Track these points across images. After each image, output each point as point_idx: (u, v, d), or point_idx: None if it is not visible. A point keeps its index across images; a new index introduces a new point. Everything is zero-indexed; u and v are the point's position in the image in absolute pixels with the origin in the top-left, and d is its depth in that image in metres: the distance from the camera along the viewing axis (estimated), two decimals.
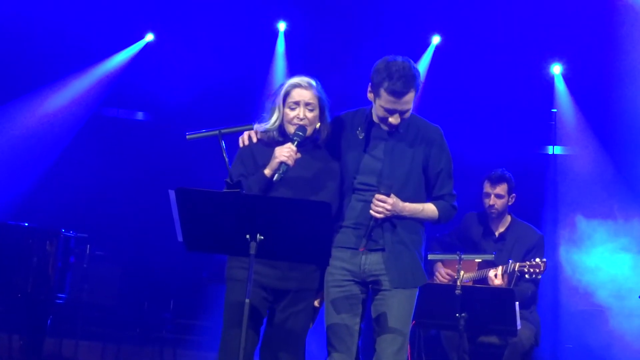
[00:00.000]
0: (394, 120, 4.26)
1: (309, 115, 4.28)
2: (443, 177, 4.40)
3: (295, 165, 4.21)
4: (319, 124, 4.33)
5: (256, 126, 4.38)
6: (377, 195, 4.22)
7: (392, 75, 4.15)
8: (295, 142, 4.19)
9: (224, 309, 4.33)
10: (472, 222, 6.54)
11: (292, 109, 4.28)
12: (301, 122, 4.26)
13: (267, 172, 4.18)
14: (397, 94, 4.17)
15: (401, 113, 4.24)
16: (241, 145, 4.37)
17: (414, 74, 4.18)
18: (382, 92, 4.20)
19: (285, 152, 4.14)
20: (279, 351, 4.25)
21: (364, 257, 4.29)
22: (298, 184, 4.25)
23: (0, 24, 8.75)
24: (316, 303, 4.38)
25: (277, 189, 4.21)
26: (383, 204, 4.21)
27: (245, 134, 4.38)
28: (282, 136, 4.30)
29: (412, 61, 4.26)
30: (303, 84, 4.31)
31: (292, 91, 4.30)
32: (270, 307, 4.32)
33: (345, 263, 4.31)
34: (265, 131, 4.34)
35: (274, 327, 4.30)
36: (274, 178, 4.14)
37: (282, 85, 4.38)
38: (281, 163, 4.13)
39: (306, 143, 4.32)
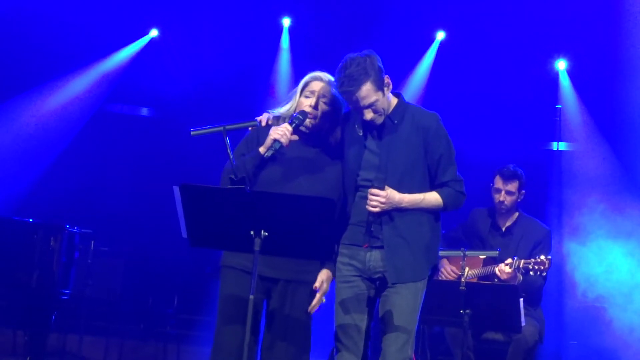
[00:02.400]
0: (366, 116, 4.23)
1: (322, 106, 4.32)
2: (444, 163, 4.32)
3: (294, 149, 4.25)
4: (328, 124, 4.35)
5: (270, 112, 4.42)
6: (371, 190, 4.19)
7: (339, 78, 4.18)
8: (294, 124, 4.22)
9: (218, 303, 4.31)
10: (479, 218, 6.52)
11: (307, 97, 4.33)
12: (312, 111, 4.29)
13: (261, 149, 4.22)
14: (347, 94, 4.19)
15: (366, 107, 4.20)
16: (255, 125, 4.39)
17: (359, 69, 4.15)
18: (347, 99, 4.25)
19: (280, 131, 4.17)
20: (279, 342, 4.22)
21: (368, 254, 4.28)
22: (292, 166, 4.26)
23: (5, 20, 8.75)
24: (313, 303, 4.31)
25: (270, 167, 4.23)
26: (377, 198, 4.18)
27: (264, 118, 4.41)
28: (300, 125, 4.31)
29: (363, 55, 4.22)
30: (324, 78, 4.37)
31: (311, 82, 4.37)
32: (266, 300, 4.30)
33: (352, 260, 4.31)
34: (278, 118, 4.38)
35: (271, 319, 4.26)
36: (265, 154, 4.17)
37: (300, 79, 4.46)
38: (274, 140, 4.15)
39: (312, 136, 4.35)
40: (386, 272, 4.25)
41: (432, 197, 4.30)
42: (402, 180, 4.25)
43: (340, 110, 4.38)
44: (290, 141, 4.22)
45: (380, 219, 4.23)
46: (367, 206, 4.19)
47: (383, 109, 4.25)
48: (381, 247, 4.26)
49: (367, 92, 4.16)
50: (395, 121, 4.30)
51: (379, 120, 4.27)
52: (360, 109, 4.22)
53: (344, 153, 4.38)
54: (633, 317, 7.65)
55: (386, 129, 4.31)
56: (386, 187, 4.20)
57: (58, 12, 8.76)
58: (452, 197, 4.33)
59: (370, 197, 4.19)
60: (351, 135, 4.39)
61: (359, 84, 4.14)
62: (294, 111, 4.33)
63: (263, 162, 4.22)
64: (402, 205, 4.22)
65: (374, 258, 4.28)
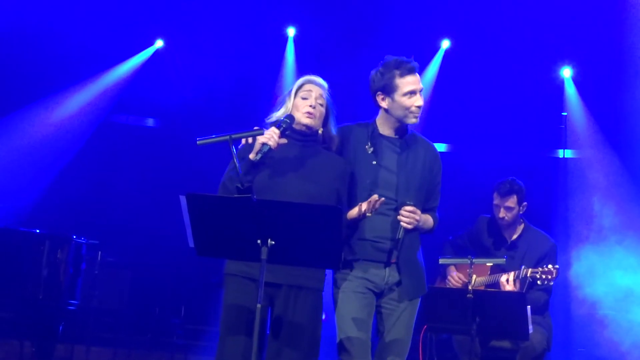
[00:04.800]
0: (418, 100, 4.40)
1: (318, 108, 4.33)
2: (438, 190, 4.57)
3: (288, 154, 4.24)
4: (321, 129, 4.36)
5: (266, 119, 4.40)
6: (407, 207, 4.29)
7: (400, 62, 4.40)
8: (281, 128, 4.19)
9: (222, 311, 4.28)
10: (485, 226, 6.50)
11: (304, 99, 4.33)
12: (312, 110, 4.29)
13: (251, 156, 4.18)
14: (414, 70, 4.40)
15: (420, 92, 4.42)
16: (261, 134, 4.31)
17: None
18: (399, 81, 4.38)
19: (267, 134, 4.15)
20: (285, 349, 4.16)
21: (388, 270, 4.35)
22: (285, 170, 4.24)
23: (11, 32, 8.79)
24: None
25: (263, 171, 4.19)
26: (414, 215, 4.30)
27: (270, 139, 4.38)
28: (289, 129, 4.29)
29: None
30: (318, 80, 4.41)
31: (306, 84, 4.38)
32: (270, 307, 4.23)
33: (368, 275, 4.35)
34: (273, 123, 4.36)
35: (275, 326, 4.21)
36: (254, 158, 4.14)
37: (288, 82, 4.45)
38: (262, 144, 4.14)
39: (308, 140, 4.34)
40: (400, 288, 4.37)
41: (431, 220, 4.52)
42: (415, 201, 4.37)
43: (331, 114, 4.39)
44: (284, 144, 4.22)
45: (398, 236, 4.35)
46: (402, 223, 4.29)
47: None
48: (395, 264, 4.36)
49: (420, 79, 4.45)
50: (409, 145, 4.46)
51: (417, 118, 4.43)
52: (413, 92, 4.38)
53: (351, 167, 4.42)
54: None
55: (402, 151, 4.45)
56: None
57: (64, 24, 8.79)
58: (437, 221, 4.58)
59: (405, 214, 4.29)
60: (357, 151, 4.44)
61: (417, 69, 4.44)
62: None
63: (254, 167, 4.17)
64: (419, 224, 4.37)
65: (393, 275, 4.36)
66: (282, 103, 4.40)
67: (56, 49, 8.85)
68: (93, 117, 9.33)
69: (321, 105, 4.34)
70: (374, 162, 4.41)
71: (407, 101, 4.38)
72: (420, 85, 4.42)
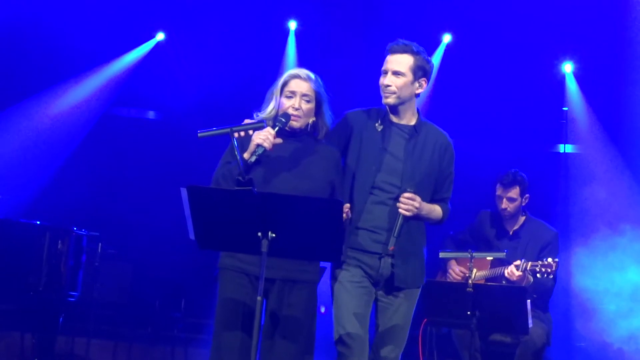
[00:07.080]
0: (383, 79, 4.37)
1: (305, 106, 4.28)
2: (450, 181, 4.53)
3: (281, 151, 4.21)
4: (312, 118, 4.32)
5: (254, 116, 4.38)
6: (406, 194, 4.27)
7: (393, 42, 4.41)
8: (277, 128, 4.17)
9: (216, 305, 4.27)
10: (486, 220, 6.52)
11: (289, 98, 4.29)
12: (295, 112, 4.25)
13: (246, 155, 4.16)
14: (392, 51, 4.37)
15: (394, 73, 4.35)
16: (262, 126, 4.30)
17: (415, 46, 4.40)
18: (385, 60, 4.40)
19: (262, 135, 4.12)
20: (280, 343, 4.16)
21: (383, 260, 4.33)
22: (278, 167, 4.22)
23: (12, 24, 8.78)
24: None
25: (257, 169, 4.17)
26: (412, 202, 4.27)
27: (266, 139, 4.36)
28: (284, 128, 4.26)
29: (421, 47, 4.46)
30: (302, 75, 4.33)
31: (291, 81, 4.32)
32: (264, 300, 4.20)
33: (363, 265, 4.35)
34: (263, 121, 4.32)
35: (270, 320, 4.20)
36: (249, 159, 4.12)
37: (281, 75, 4.40)
38: (257, 145, 4.11)
39: (299, 134, 4.32)
40: (395, 278, 4.33)
41: (439, 210, 4.48)
42: (420, 190, 4.34)
43: (322, 102, 4.34)
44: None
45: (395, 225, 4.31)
46: (400, 209, 4.27)
47: (400, 94, 4.37)
48: (391, 255, 4.33)
49: (404, 61, 4.37)
50: (419, 133, 4.42)
51: (390, 99, 4.38)
52: (384, 71, 4.38)
53: (353, 149, 4.40)
54: None
55: (411, 138, 4.41)
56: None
57: (65, 16, 8.78)
58: (448, 212, 4.55)
59: (404, 200, 4.27)
60: (365, 133, 4.42)
61: (405, 51, 4.37)
62: (277, 113, 4.30)
63: (249, 166, 4.15)
64: (422, 213, 4.34)
65: (387, 266, 4.35)
66: (269, 100, 4.36)
67: (57, 41, 8.83)
68: (94, 110, 9.32)
69: (308, 101, 4.28)
70: (380, 146, 4.38)
71: (381, 79, 4.41)
72: (393, 67, 4.37)
